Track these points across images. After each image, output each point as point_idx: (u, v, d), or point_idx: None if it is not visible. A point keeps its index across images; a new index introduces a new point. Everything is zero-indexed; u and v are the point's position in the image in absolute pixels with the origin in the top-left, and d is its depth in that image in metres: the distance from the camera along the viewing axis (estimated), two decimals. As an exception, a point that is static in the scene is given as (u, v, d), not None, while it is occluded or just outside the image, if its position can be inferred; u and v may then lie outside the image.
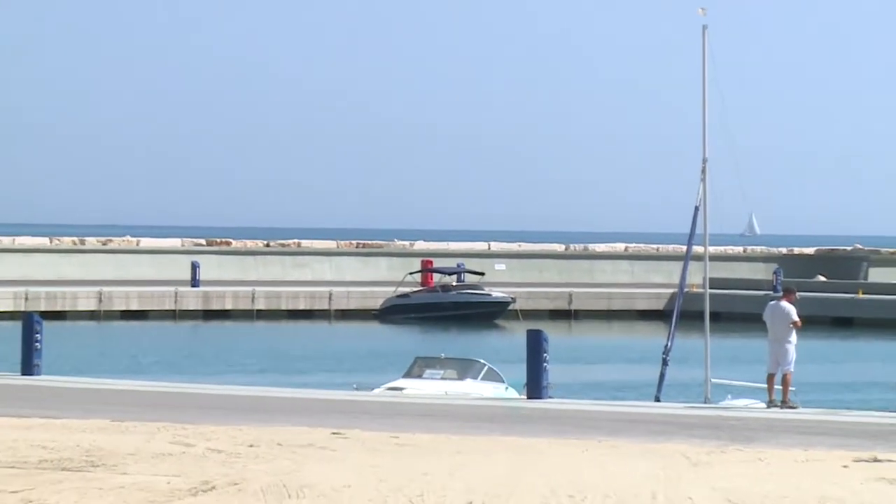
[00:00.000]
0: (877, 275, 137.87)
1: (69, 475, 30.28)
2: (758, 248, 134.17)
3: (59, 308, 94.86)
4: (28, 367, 55.43)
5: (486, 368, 58.25)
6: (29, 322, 60.29)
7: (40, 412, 41.29)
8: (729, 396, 53.64)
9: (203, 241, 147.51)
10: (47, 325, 64.81)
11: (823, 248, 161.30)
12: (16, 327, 63.39)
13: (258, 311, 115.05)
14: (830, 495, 29.74)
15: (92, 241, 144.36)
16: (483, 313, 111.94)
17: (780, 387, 52.94)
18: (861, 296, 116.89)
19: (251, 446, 35.56)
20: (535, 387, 53.75)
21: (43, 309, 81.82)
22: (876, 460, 35.09)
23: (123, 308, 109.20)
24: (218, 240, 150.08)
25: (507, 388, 55.52)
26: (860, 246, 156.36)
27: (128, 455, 33.38)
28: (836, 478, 32.36)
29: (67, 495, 27.98)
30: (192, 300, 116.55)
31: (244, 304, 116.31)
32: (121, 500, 27.81)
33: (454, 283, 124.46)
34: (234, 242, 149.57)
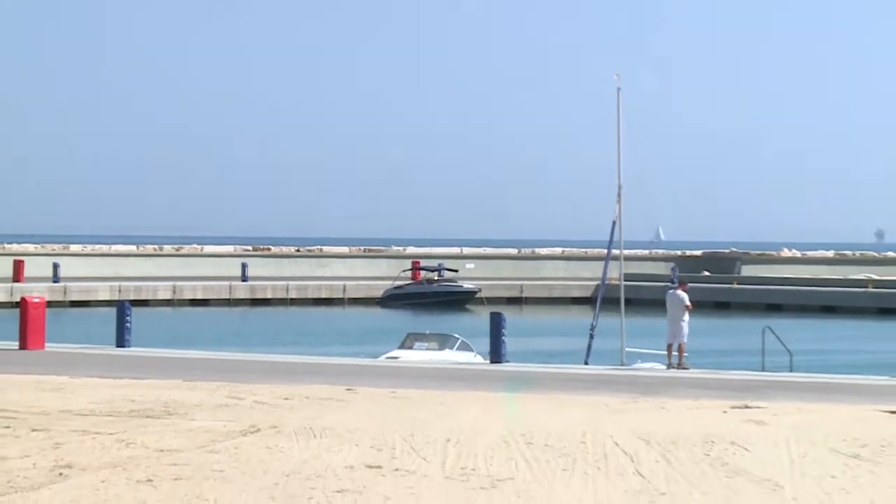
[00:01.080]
0: (747, 270, 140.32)
1: (151, 421, 30.26)
2: (660, 251, 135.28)
3: (143, 297, 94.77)
4: (121, 342, 55.28)
5: (459, 341, 58.69)
6: (121, 308, 60.12)
7: (130, 375, 41.22)
8: (639, 361, 53.93)
9: (250, 248, 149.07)
10: (135, 311, 64.70)
11: (708, 251, 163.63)
12: (111, 312, 63.12)
13: (291, 299, 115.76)
14: (713, 433, 29.72)
15: (168, 248, 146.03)
16: (457, 300, 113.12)
17: (677, 353, 53.31)
18: (735, 286, 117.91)
19: (286, 399, 35.58)
20: (496, 354, 54.29)
21: (132, 298, 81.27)
22: (747, 407, 35.09)
23: (191, 297, 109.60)
24: (261, 247, 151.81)
25: (475, 355, 55.88)
26: (735, 250, 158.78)
27: (195, 406, 33.38)
28: (717, 420, 32.36)
29: (150, 436, 27.97)
30: (241, 291, 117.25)
31: (280, 294, 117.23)
32: (189, 439, 27.81)
33: (436, 278, 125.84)
34: (272, 248, 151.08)
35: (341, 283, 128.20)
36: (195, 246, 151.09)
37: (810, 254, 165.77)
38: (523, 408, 34.92)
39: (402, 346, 56.96)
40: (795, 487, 23.67)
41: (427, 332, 62.37)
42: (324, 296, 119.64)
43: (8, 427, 28.90)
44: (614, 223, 60.55)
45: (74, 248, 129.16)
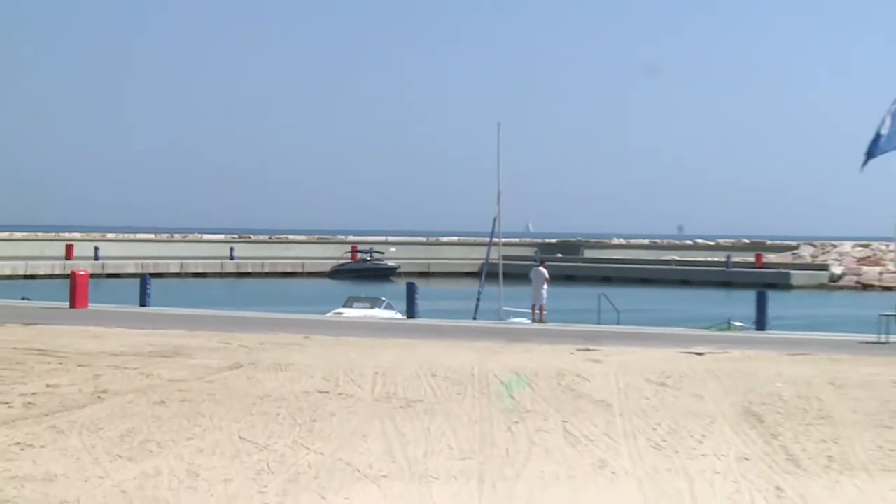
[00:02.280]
0: (588, 253, 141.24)
1: (164, 359, 30.16)
2: (527, 239, 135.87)
3: (159, 271, 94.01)
4: (143, 302, 55.00)
5: (385, 302, 58.94)
6: (143, 279, 60.01)
7: (149, 326, 41.07)
8: (512, 317, 54.06)
9: (236, 236, 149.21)
10: (153, 281, 64.47)
11: (561, 239, 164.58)
12: (136, 282, 62.76)
13: (265, 273, 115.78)
14: (564, 368, 29.74)
15: (177, 236, 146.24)
16: (383, 274, 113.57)
17: (539, 312, 53.45)
18: (579, 264, 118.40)
19: (261, 344, 35.51)
20: (411, 312, 54.37)
21: (151, 272, 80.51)
22: (588, 350, 35.13)
23: (194, 271, 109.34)
24: (244, 235, 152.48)
25: (396, 312, 56.14)
26: (580, 239, 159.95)
27: (195, 349, 33.28)
28: (567, 359, 32.38)
29: (163, 369, 27.90)
30: (230, 267, 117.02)
31: (258, 269, 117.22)
32: (191, 372, 27.78)
33: (368, 258, 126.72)
34: (252, 237, 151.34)
35: (301, 261, 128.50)
36: (197, 234, 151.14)
37: (633, 241, 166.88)
38: (431, 350, 34.94)
39: (344, 306, 57.22)
40: (621, 405, 23.87)
41: (362, 296, 62.68)
42: (289, 270, 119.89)
43: (60, 363, 28.88)
44: (495, 219, 60.91)
45: (110, 235, 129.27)
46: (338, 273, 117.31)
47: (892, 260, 44.03)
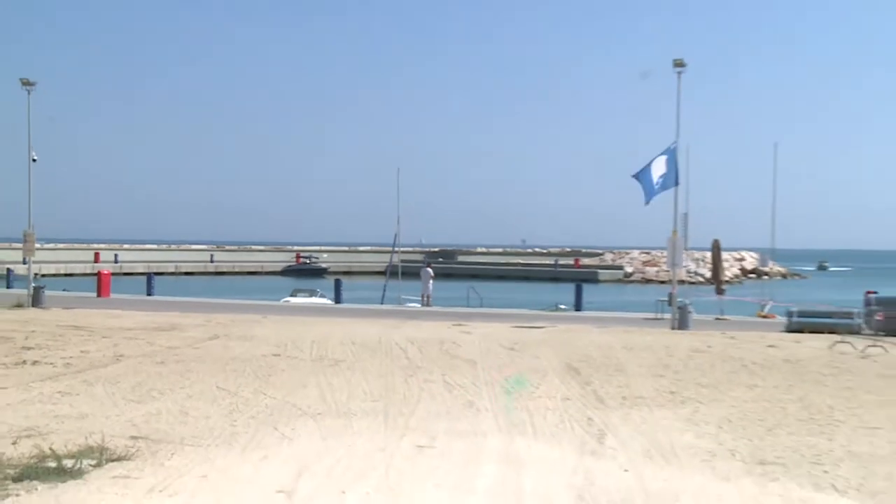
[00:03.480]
0: (461, 258, 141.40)
1: (164, 332, 29.92)
2: (418, 248, 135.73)
3: (160, 271, 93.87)
4: (149, 292, 54.81)
5: (319, 292, 58.96)
6: (149, 276, 59.87)
7: (153, 310, 40.88)
8: (407, 303, 54.05)
9: (215, 246, 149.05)
10: (156, 278, 64.06)
11: (442, 248, 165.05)
12: (143, 279, 62.27)
13: (236, 272, 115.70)
14: (444, 337, 29.69)
15: (173, 246, 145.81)
16: (318, 272, 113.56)
17: (426, 298, 53.54)
18: (455, 265, 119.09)
19: (232, 321, 35.31)
20: (337, 299, 54.29)
21: (154, 271, 79.77)
22: (460, 325, 35.16)
23: (185, 271, 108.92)
24: (220, 245, 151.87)
25: (327, 299, 56.11)
26: (456, 248, 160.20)
27: (186, 325, 33.08)
28: (446, 331, 32.35)
29: (163, 339, 27.67)
30: (211, 268, 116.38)
31: (231, 269, 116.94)
32: (183, 341, 27.56)
33: (308, 261, 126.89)
34: (226, 246, 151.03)
35: (261, 263, 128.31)
36: (187, 245, 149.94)
37: (491, 249, 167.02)
38: (351, 325, 34.91)
39: (291, 295, 57.01)
40: (483, 362, 23.95)
41: (303, 288, 62.72)
42: (252, 270, 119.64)
43: (90, 335, 28.67)
44: (396, 234, 61.12)
45: (125, 246, 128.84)
46: (286, 272, 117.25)
47: (664, 262, 45.27)
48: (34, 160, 44.35)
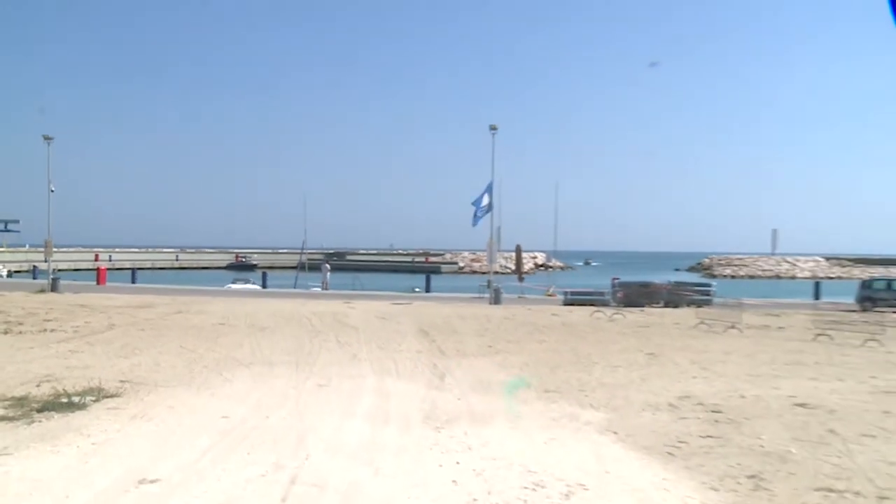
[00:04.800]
0: (350, 257, 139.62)
1: (143, 308, 29.17)
2: (319, 249, 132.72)
3: (141, 266, 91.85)
4: (133, 281, 53.67)
5: (252, 280, 57.73)
6: (133, 271, 58.69)
7: (136, 293, 40.02)
8: (312, 288, 53.20)
9: (179, 249, 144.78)
10: (138, 272, 62.73)
11: (337, 249, 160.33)
12: (129, 273, 61.10)
13: (194, 267, 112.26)
14: (337, 311, 29.45)
15: (150, 249, 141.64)
16: (250, 267, 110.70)
17: (324, 284, 52.98)
18: (345, 261, 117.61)
19: (192, 301, 34.63)
20: (264, 285, 53.43)
21: (137, 267, 77.83)
22: (348, 302, 34.96)
23: (158, 266, 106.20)
24: (185, 248, 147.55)
25: (257, 286, 54.93)
26: (346, 249, 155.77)
27: (159, 304, 32.30)
28: (338, 307, 32.09)
29: (142, 313, 27.00)
30: (176, 265, 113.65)
31: (191, 265, 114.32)
32: (157, 314, 26.93)
33: (243, 259, 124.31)
34: (187, 249, 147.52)
35: (211, 261, 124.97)
36: (160, 248, 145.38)
37: (371, 251, 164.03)
38: (273, 303, 34.48)
39: (232, 283, 55.52)
40: (363, 328, 23.90)
41: (240, 278, 61.19)
42: (206, 265, 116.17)
43: (91, 311, 27.86)
44: (303, 241, 60.68)
45: (116, 249, 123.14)
46: (229, 267, 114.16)
47: (485, 260, 46.55)
48: (52, 191, 43.35)
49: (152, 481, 7.78)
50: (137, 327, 23.17)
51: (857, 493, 7.79)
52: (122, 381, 13.76)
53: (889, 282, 39.66)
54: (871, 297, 36.81)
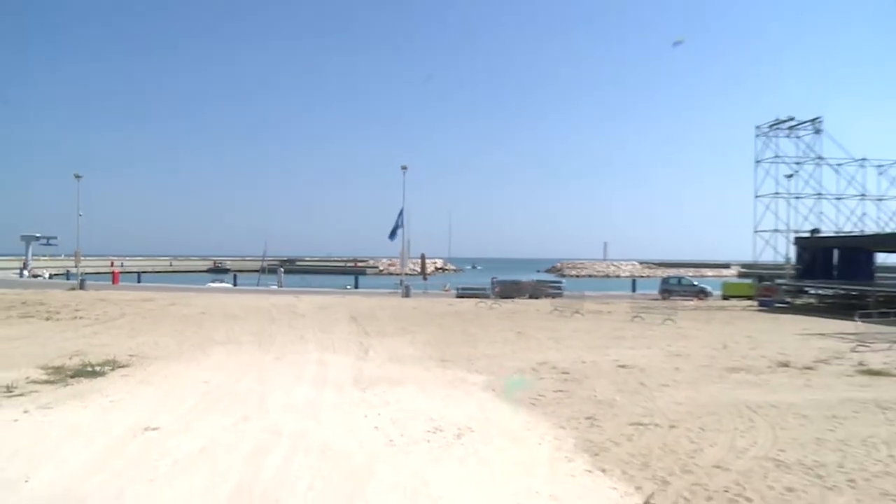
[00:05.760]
0: (299, 263, 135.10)
1: (146, 301, 28.16)
2: (274, 258, 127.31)
3: (145, 270, 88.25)
4: (139, 281, 51.88)
5: (226, 280, 56.11)
6: (139, 274, 56.51)
7: (140, 291, 38.61)
8: (270, 286, 51.52)
9: (172, 257, 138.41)
10: (143, 276, 60.51)
11: (287, 258, 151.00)
12: (135, 275, 58.75)
13: (184, 271, 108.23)
14: (289, 303, 29.04)
15: (150, 257, 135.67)
16: (225, 270, 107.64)
17: (280, 284, 51.49)
18: (294, 266, 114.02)
19: (181, 296, 33.59)
20: (235, 284, 51.82)
21: (141, 271, 75.62)
22: (297, 296, 34.30)
23: (157, 270, 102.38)
24: (178, 257, 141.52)
25: (230, 284, 53.24)
26: (294, 257, 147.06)
27: (157, 298, 31.12)
28: (290, 299, 31.44)
29: (146, 305, 26.16)
30: (170, 268, 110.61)
31: (181, 269, 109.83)
32: (157, 306, 26.17)
33: (220, 265, 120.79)
34: (179, 256, 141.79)
35: (196, 265, 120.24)
36: (158, 256, 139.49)
37: (314, 257, 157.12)
38: (241, 298, 33.72)
39: (211, 282, 53.69)
40: (309, 315, 23.62)
41: (218, 278, 59.65)
42: (191, 269, 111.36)
43: (109, 304, 26.86)
44: (264, 250, 59.33)
45: (127, 257, 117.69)
46: (209, 270, 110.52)
47: (399, 264, 46.18)
48: (80, 215, 42.24)
49: (154, 429, 7.96)
50: (142, 316, 22.57)
51: (657, 425, 8.43)
52: (131, 356, 13.60)
53: (679, 279, 41.93)
54: (669, 290, 38.39)
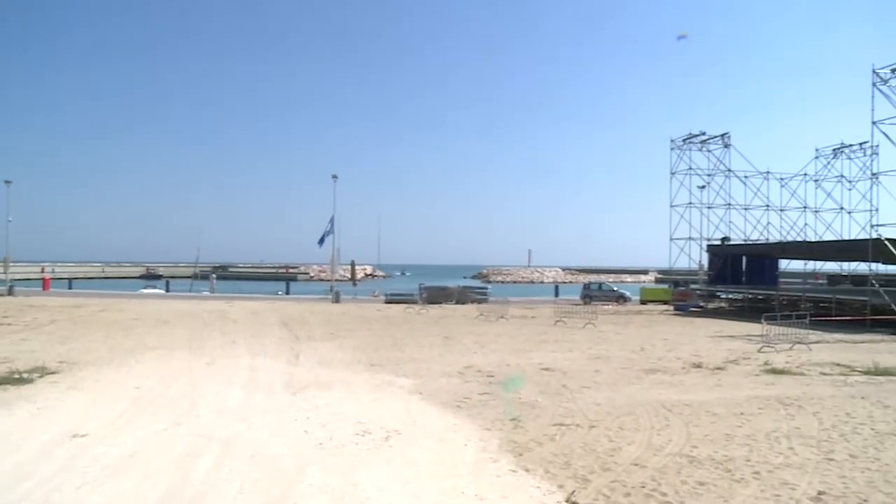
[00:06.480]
0: (231, 269, 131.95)
1: (77, 308, 27.09)
2: (207, 264, 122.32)
3: (76, 276, 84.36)
4: (70, 287, 49.54)
5: (158, 286, 53.77)
6: (70, 280, 53.77)
7: (71, 296, 37.01)
8: (203, 292, 49.69)
9: (104, 263, 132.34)
10: (74, 281, 57.93)
11: (220, 265, 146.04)
12: (66, 281, 56.21)
13: (116, 277, 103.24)
14: (222, 308, 28.34)
15: (81, 263, 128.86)
16: (157, 277, 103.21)
17: (212, 290, 50.08)
18: (228, 272, 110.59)
19: (112, 302, 32.38)
20: (167, 290, 50.03)
21: (72, 277, 72.06)
22: (229, 302, 33.51)
23: (89, 276, 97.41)
24: (110, 263, 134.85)
25: (163, 291, 51.23)
26: (227, 264, 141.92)
27: (89, 304, 29.97)
28: (223, 305, 30.73)
29: (76, 312, 25.26)
30: (102, 274, 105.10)
31: (113, 275, 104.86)
32: (88, 312, 25.24)
33: (152, 271, 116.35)
34: (111, 263, 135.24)
35: (128, 272, 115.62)
36: (90, 262, 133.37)
37: (246, 264, 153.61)
38: (178, 304, 32.71)
39: (143, 288, 51.23)
40: (241, 321, 23.13)
41: (150, 284, 57.53)
42: (124, 276, 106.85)
43: (38, 310, 25.67)
44: (197, 256, 57.49)
45: (58, 263, 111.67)
46: (141, 277, 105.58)
47: (329, 270, 44.76)
48: (9, 221, 40.58)
49: (83, 435, 7.68)
50: (72, 322, 21.67)
51: (577, 425, 8.57)
52: (60, 362, 13.09)
53: (600, 285, 42.86)
54: (590, 295, 39.21)
